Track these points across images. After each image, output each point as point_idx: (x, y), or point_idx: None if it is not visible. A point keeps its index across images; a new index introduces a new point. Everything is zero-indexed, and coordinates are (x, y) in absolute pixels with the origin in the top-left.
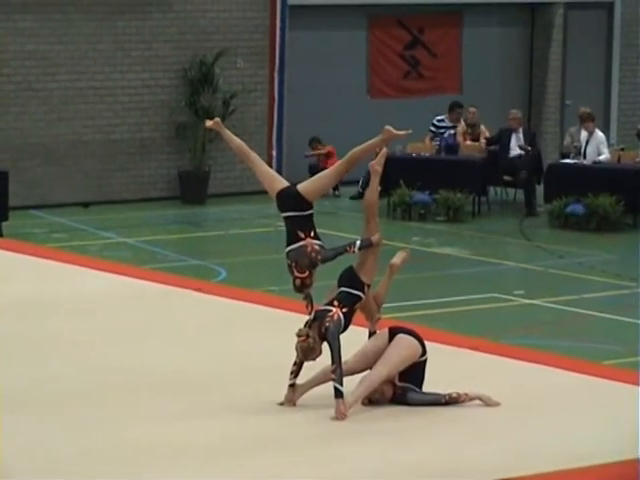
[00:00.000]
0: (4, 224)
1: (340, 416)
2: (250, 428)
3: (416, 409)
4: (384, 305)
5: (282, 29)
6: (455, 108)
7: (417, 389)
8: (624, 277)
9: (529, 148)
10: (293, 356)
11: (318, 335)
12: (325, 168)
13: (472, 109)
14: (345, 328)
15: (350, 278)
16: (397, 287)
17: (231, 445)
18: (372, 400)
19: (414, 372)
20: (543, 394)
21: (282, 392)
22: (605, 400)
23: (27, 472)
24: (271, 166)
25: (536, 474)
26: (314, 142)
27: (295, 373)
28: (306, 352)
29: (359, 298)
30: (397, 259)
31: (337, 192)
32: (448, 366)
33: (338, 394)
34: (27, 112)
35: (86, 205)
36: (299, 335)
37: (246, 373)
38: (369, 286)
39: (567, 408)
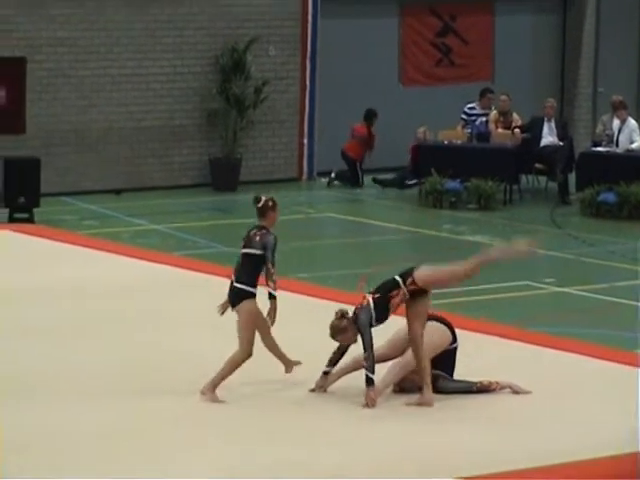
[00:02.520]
0: (36, 210)
1: (370, 403)
2: (284, 414)
3: (446, 397)
4: None
5: (314, 16)
6: (486, 93)
7: (448, 377)
8: None
9: (561, 144)
10: (323, 342)
11: (354, 321)
12: (352, 154)
13: (503, 97)
14: (381, 316)
15: (403, 271)
16: None
17: (256, 431)
18: (403, 388)
19: (445, 359)
20: (574, 382)
21: (314, 378)
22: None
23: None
24: (302, 154)
25: (564, 463)
26: (372, 116)
27: (333, 362)
28: (336, 331)
29: (396, 285)
30: (520, 246)
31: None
32: (479, 354)
33: (369, 382)
34: (59, 99)
35: (118, 192)
36: (336, 313)
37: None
38: (425, 291)
39: (599, 397)
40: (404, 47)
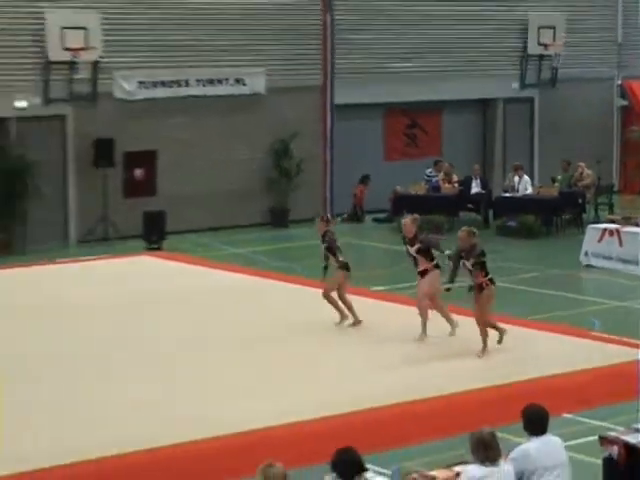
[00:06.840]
0: None
1: None
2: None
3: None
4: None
5: (332, 121)
6: (437, 163)
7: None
8: (540, 264)
9: (484, 192)
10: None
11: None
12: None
13: (447, 164)
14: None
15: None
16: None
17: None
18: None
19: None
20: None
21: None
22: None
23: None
24: None
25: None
26: (366, 179)
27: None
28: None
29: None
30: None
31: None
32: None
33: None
34: None
35: None
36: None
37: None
38: None
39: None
40: (386, 135)
